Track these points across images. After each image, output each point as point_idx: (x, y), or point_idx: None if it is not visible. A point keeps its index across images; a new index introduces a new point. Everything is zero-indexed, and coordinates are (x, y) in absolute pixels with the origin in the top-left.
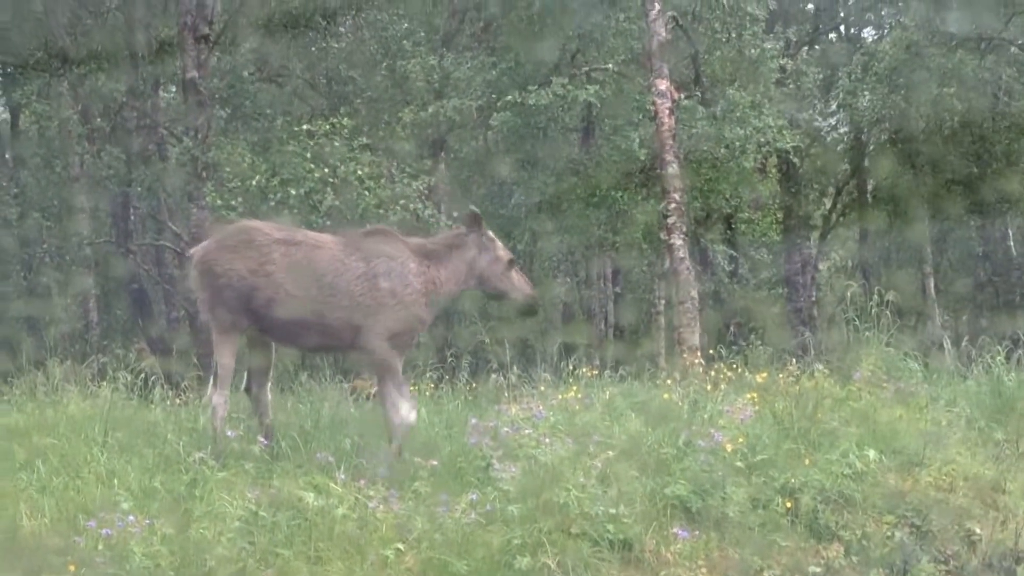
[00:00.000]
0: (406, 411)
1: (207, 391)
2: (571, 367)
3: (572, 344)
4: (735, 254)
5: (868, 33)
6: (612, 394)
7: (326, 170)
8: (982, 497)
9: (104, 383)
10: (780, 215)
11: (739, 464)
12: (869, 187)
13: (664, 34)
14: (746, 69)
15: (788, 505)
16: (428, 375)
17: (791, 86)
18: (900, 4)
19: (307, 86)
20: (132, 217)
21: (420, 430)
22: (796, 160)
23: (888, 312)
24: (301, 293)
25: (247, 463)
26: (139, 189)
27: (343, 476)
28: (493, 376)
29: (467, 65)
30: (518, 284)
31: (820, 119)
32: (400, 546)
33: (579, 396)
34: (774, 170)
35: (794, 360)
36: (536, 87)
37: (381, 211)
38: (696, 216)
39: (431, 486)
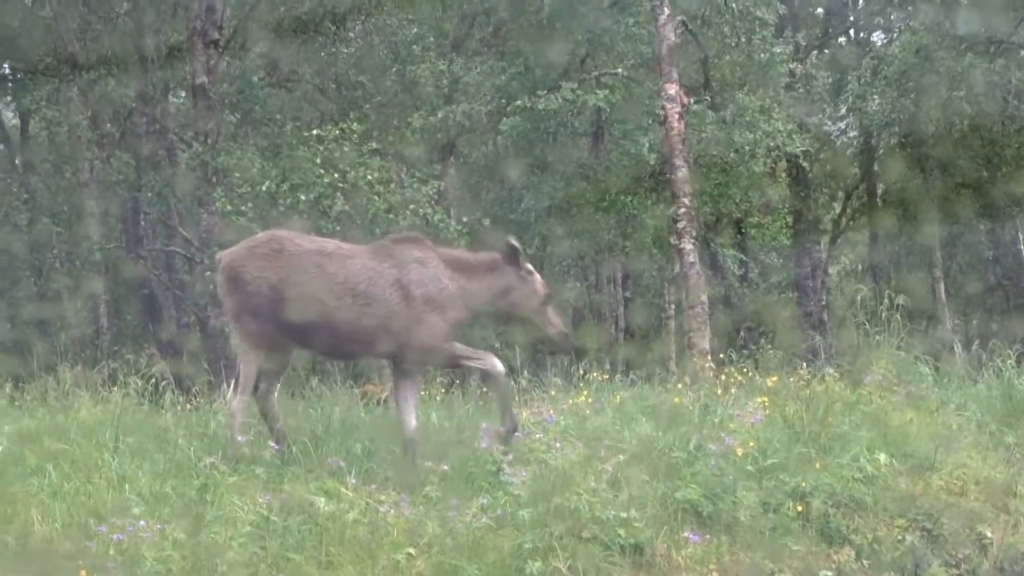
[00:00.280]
0: (413, 418)
1: (227, 395)
2: (582, 371)
3: (583, 348)
4: (745, 258)
5: (878, 37)
6: (623, 398)
7: (336, 175)
8: (993, 501)
9: (115, 388)
10: (790, 219)
11: (750, 468)
12: (879, 191)
13: (673, 38)
14: (756, 73)
15: (799, 509)
16: (439, 379)
17: (801, 90)
18: (910, 8)
19: (317, 91)
20: (142, 222)
21: (431, 435)
22: (806, 164)
23: (898, 316)
24: (335, 303)
25: (258, 468)
26: (149, 194)
27: (354, 481)
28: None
29: (477, 70)
30: (553, 321)
31: (830, 123)
32: (411, 550)
33: (590, 400)
34: (784, 174)
35: (804, 364)
36: (546, 92)
37: (391, 216)
38: (706, 220)
39: (442, 490)
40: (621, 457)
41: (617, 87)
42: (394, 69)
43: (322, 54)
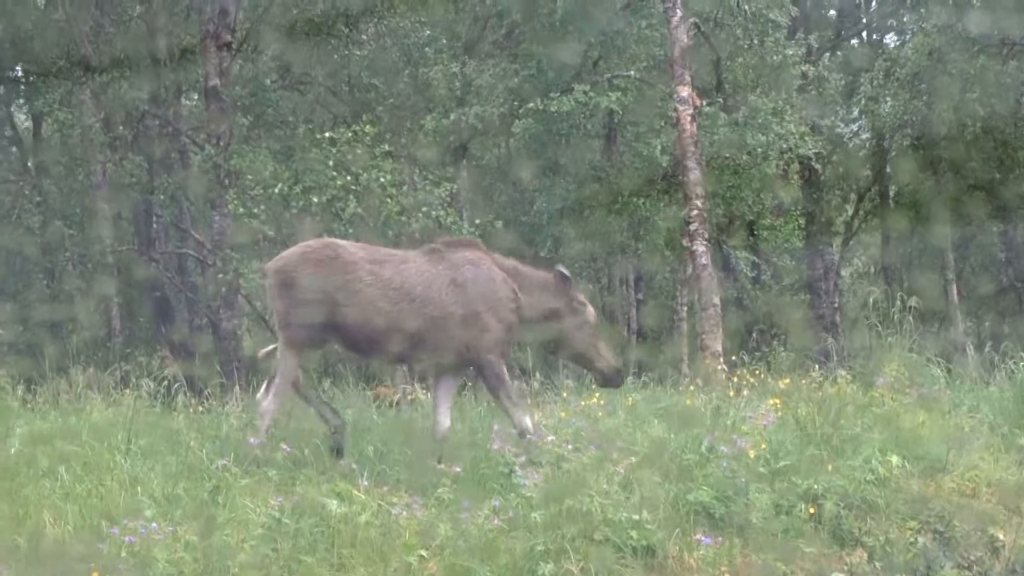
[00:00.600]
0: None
1: (258, 395)
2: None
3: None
4: (757, 260)
5: (890, 39)
6: (635, 400)
7: (348, 177)
8: (1006, 503)
9: (127, 390)
10: (802, 221)
11: (762, 470)
12: (891, 193)
13: (686, 40)
14: (768, 75)
15: (811, 511)
16: None
17: (813, 92)
18: (922, 10)
19: (329, 93)
20: (154, 224)
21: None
22: (818, 166)
23: (911, 317)
24: (391, 308)
25: (270, 470)
26: (161, 197)
27: (366, 483)
28: (516, 382)
29: (489, 72)
30: (604, 354)
31: (842, 125)
32: (423, 553)
33: (602, 402)
34: (796, 176)
35: (817, 366)
36: (558, 94)
37: (403, 218)
38: (718, 222)
39: (454, 492)
40: (633, 459)
41: (629, 89)
42: (407, 71)
43: (335, 56)
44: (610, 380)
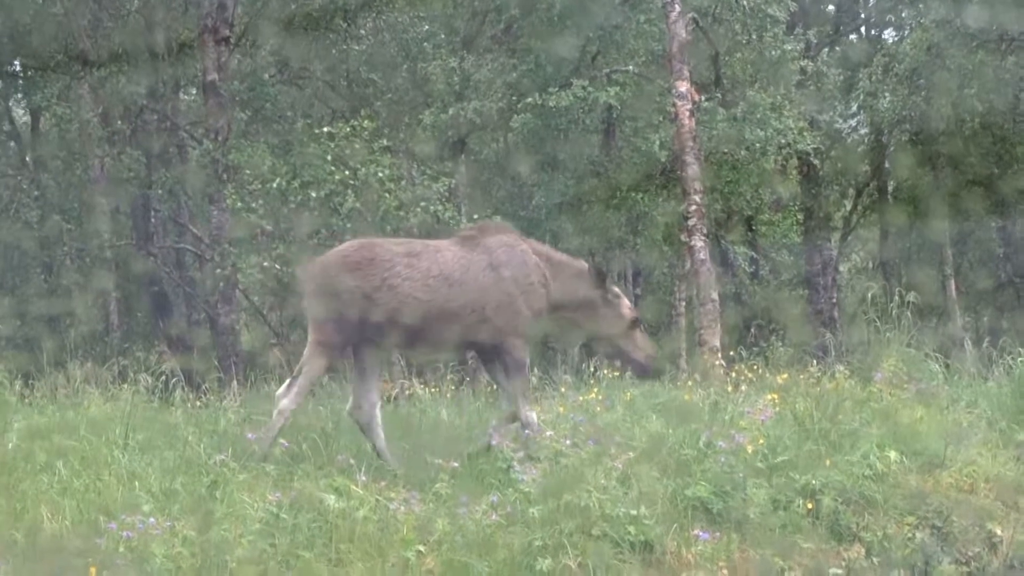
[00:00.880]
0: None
1: (278, 392)
2: (592, 368)
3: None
4: (756, 255)
5: (889, 34)
6: (633, 395)
7: (347, 172)
8: (1003, 498)
9: (125, 385)
10: (801, 216)
11: (760, 465)
12: (890, 188)
13: (684, 35)
14: (766, 70)
15: (809, 506)
16: (449, 376)
17: (812, 87)
18: (921, 5)
19: (328, 88)
20: (152, 219)
21: (440, 431)
22: (816, 161)
23: (909, 313)
24: (429, 297)
25: (268, 465)
26: (159, 191)
27: (364, 478)
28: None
29: (487, 67)
30: (641, 344)
31: (841, 120)
32: (421, 548)
33: (600, 397)
34: (794, 171)
35: (815, 361)
36: (557, 89)
37: (402, 213)
38: (716, 217)
39: (452, 488)
40: (631, 454)
41: (628, 84)
42: (405, 66)
43: (333, 51)
44: (646, 371)
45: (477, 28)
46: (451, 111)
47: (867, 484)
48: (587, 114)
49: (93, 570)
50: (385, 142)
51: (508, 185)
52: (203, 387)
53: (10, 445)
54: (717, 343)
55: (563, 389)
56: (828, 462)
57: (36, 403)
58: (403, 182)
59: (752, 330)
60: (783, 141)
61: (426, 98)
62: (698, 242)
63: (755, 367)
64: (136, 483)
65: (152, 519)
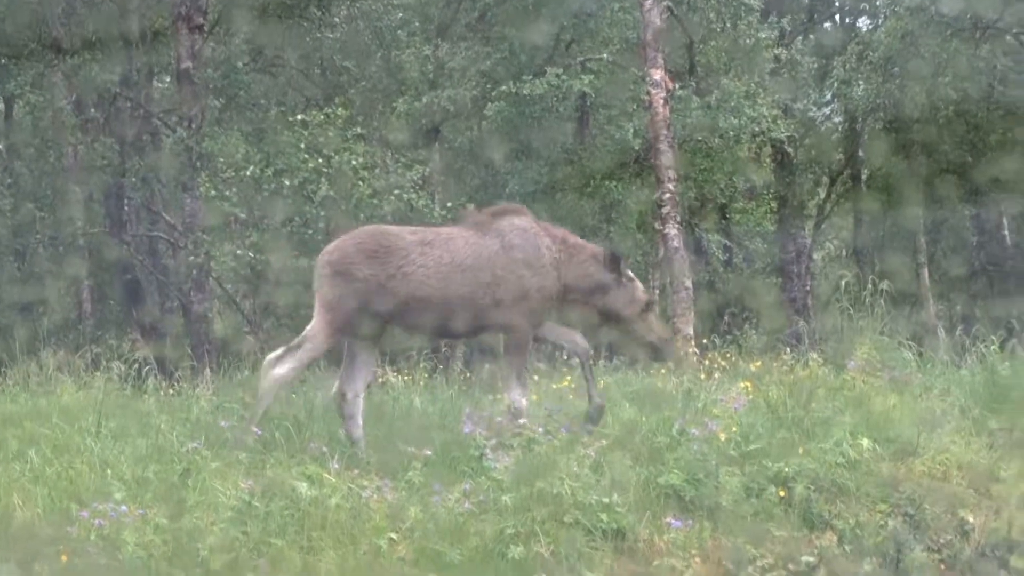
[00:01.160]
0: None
1: (273, 354)
2: (565, 356)
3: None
4: (729, 243)
5: (863, 22)
6: (606, 383)
7: (320, 160)
8: (976, 486)
9: (97, 372)
10: (774, 204)
11: (733, 453)
12: (863, 176)
13: (659, 23)
14: (741, 58)
15: (781, 494)
16: (423, 364)
17: (786, 75)
18: None
19: (301, 76)
20: (126, 207)
21: (413, 419)
22: (790, 149)
23: (882, 300)
24: (442, 284)
25: (240, 453)
26: (133, 179)
27: (337, 465)
28: (487, 365)
29: (462, 55)
30: (655, 328)
31: (815, 108)
32: (393, 535)
33: (573, 385)
34: (768, 159)
35: (788, 349)
36: (531, 77)
37: (375, 201)
38: (690, 205)
39: (424, 475)
40: (604, 442)
41: (602, 72)
42: (379, 54)
43: (307, 39)
44: (660, 355)
45: (451, 16)
46: (425, 99)
47: (840, 472)
48: (561, 102)
49: (65, 557)
50: (359, 130)
51: (482, 173)
52: (176, 375)
53: None
54: (691, 331)
55: (536, 377)
56: (801, 450)
57: (8, 391)
58: (377, 170)
59: (725, 318)
60: (757, 129)
61: (400, 86)
62: (672, 230)
63: (728, 355)
64: (108, 471)
65: (124, 507)
